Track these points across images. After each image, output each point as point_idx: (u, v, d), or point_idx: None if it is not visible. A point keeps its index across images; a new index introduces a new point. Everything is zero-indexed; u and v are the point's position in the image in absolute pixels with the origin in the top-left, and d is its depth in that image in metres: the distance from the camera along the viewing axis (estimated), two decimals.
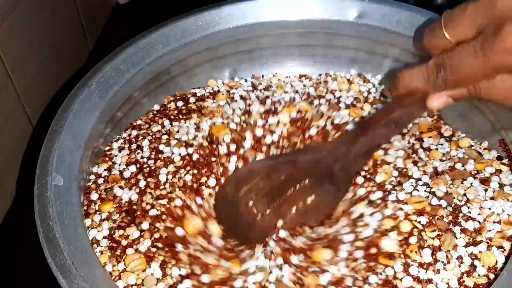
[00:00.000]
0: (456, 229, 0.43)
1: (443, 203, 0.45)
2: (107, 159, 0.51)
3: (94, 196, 0.47)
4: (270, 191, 0.47)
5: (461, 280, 0.41)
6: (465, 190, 0.46)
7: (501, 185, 0.46)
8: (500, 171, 0.48)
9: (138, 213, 0.46)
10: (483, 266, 0.42)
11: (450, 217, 0.44)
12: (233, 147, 0.51)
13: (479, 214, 0.44)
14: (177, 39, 0.54)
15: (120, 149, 0.52)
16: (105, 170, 0.50)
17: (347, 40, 0.57)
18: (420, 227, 0.44)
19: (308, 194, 0.47)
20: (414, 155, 0.50)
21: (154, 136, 0.52)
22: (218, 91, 0.58)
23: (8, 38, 0.59)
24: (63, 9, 0.72)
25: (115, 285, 0.39)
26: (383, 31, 0.54)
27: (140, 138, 0.52)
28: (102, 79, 0.50)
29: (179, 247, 0.44)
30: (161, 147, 0.51)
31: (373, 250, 0.43)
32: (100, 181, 0.49)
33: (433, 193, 0.46)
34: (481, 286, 0.41)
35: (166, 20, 0.55)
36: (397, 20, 0.53)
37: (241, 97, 0.56)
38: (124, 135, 0.53)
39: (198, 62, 0.57)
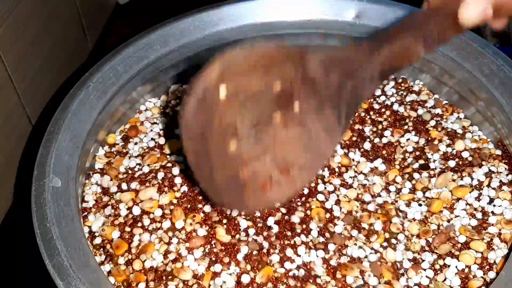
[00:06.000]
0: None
1: None
2: None
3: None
4: (259, 113, 0.33)
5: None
6: None
7: (500, 185, 0.46)
8: (499, 171, 0.47)
9: None
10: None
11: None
12: None
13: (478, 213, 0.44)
14: (175, 40, 0.54)
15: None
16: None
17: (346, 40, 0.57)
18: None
19: (300, 124, 0.34)
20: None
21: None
22: None
23: (8, 38, 0.59)
24: (63, 9, 0.72)
25: (113, 287, 0.39)
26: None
27: None
28: (100, 80, 0.50)
29: None
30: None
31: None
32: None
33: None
34: (482, 286, 0.40)
35: (165, 20, 0.55)
36: (395, 20, 0.53)
37: None
38: None
39: (197, 63, 0.57)
